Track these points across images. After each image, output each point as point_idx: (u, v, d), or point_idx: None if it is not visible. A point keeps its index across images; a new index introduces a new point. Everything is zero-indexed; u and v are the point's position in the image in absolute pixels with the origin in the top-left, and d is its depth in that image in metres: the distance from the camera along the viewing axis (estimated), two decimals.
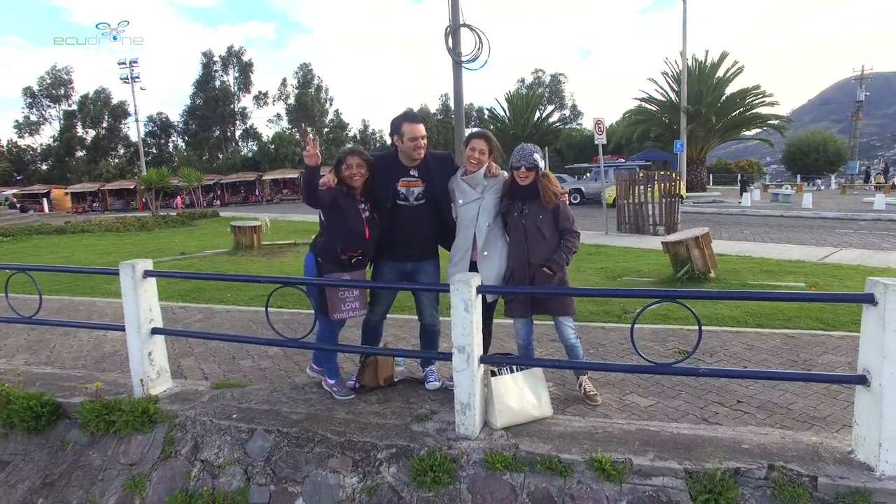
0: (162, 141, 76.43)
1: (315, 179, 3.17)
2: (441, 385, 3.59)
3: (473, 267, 3.39)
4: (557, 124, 41.04)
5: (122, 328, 3.57)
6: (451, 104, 64.79)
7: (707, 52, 28.81)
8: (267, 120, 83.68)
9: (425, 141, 3.48)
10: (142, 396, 3.50)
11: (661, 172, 15.69)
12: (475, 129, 4.09)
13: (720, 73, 27.91)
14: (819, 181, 36.20)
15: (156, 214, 21.27)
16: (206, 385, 3.86)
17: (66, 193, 51.20)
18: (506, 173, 3.51)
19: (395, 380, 3.76)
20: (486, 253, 3.36)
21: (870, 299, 2.47)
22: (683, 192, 24.65)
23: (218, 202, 45.04)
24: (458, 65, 13.62)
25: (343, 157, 3.43)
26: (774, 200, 23.89)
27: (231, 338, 4.71)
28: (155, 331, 3.60)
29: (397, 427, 3.07)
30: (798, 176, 38.45)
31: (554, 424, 3.04)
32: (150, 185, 21.09)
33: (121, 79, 52.65)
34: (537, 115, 42.00)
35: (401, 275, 3.59)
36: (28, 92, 70.95)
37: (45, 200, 47.55)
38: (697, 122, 26.79)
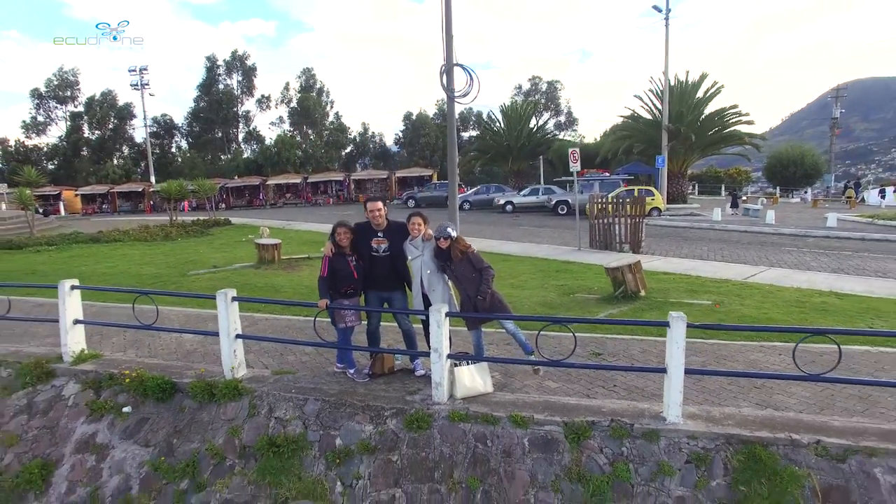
0: (165, 142, 77.83)
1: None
2: (424, 373, 5.50)
3: (427, 299, 5.30)
4: (549, 135, 42.89)
5: (217, 334, 5.49)
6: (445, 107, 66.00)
7: (688, 72, 30.75)
8: (269, 122, 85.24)
9: (381, 212, 5.38)
10: (231, 378, 5.42)
11: (628, 197, 17.57)
12: (414, 210, 6.00)
13: (700, 93, 29.90)
14: (805, 192, 38.07)
15: (175, 222, 23.15)
16: (268, 372, 5.78)
17: (77, 195, 52.92)
18: (432, 236, 5.34)
19: (396, 369, 5.69)
20: (432, 290, 5.29)
21: (667, 325, 4.40)
22: (662, 205, 26.64)
23: (223, 205, 46.88)
24: (451, 100, 15.50)
25: (335, 228, 5.37)
26: (745, 215, 25.81)
27: (291, 341, 6.62)
28: (238, 336, 5.52)
29: (396, 397, 5.00)
30: (778, 188, 40.43)
31: (492, 397, 4.97)
32: (170, 196, 23.02)
33: (131, 85, 54.55)
34: (532, 124, 44.09)
35: (380, 300, 5.53)
36: (35, 93, 72.39)
37: (59, 203, 49.26)
38: (678, 139, 28.74)
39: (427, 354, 5.02)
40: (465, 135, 67.68)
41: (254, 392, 5.25)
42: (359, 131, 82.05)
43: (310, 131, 74.46)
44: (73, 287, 6.20)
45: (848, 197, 31.96)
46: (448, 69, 15.34)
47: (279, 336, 7.02)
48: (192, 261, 13.73)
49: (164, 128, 75.52)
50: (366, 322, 5.63)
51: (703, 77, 30.46)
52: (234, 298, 5.46)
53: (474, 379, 4.97)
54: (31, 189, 22.22)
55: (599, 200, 16.10)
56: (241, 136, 78.06)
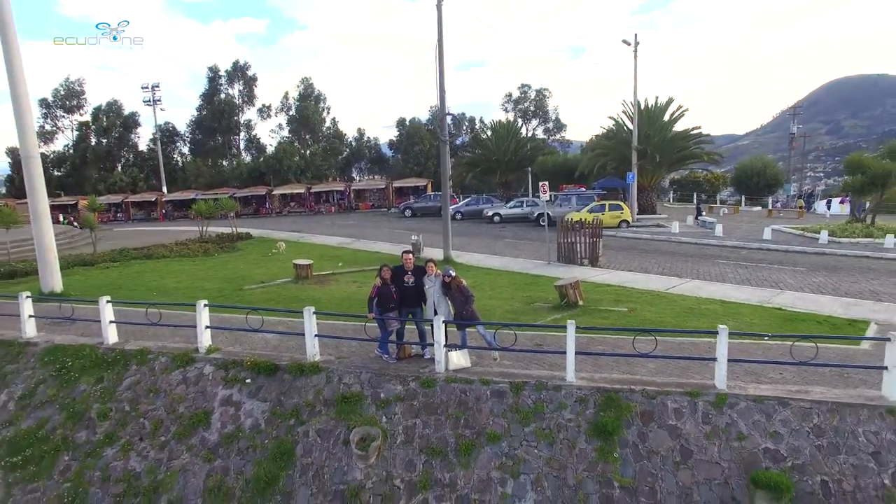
0: (168, 148, 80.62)
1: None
2: (430, 356, 9.06)
3: (434, 311, 8.89)
4: (536, 145, 46.57)
5: (333, 336, 9.04)
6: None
7: (657, 97, 34.54)
8: (269, 130, 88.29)
9: (410, 260, 8.94)
10: (313, 361, 8.98)
11: (600, 210, 21.21)
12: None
13: (666, 116, 33.61)
14: (775, 201, 41.73)
15: (205, 236, 26.59)
16: (333, 357, 9.35)
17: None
18: (442, 273, 8.89)
19: (412, 355, 9.26)
20: (438, 307, 8.86)
21: (565, 328, 7.98)
22: (630, 217, 30.30)
23: (233, 214, 50.19)
24: (444, 143, 19.07)
25: (381, 268, 8.90)
26: (701, 226, 29.50)
27: (350, 338, 10.16)
28: (316, 335, 9.09)
29: (414, 370, 8.60)
30: (743, 197, 44.26)
31: (470, 370, 8.56)
32: (202, 214, 26.41)
33: (144, 101, 57.75)
34: (521, 136, 47.65)
35: (407, 313, 9.10)
36: (43, 103, 75.16)
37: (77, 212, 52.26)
38: (646, 158, 32.45)
39: (432, 345, 8.61)
40: (458, 140, 70.87)
41: (328, 368, 8.83)
42: (354, 136, 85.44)
43: (308, 137, 77.60)
44: (205, 305, 9.75)
45: (799, 207, 35.76)
46: (441, 117, 19.00)
47: (332, 335, 10.58)
48: (239, 276, 17.25)
49: (166, 135, 78.38)
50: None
51: (669, 101, 34.20)
52: (314, 312, 9.02)
53: (460, 359, 8.57)
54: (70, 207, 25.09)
55: (564, 223, 19.72)
56: (241, 144, 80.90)
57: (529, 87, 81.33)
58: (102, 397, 9.57)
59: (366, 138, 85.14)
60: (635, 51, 31.82)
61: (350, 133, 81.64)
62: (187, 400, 9.12)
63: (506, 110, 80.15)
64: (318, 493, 7.81)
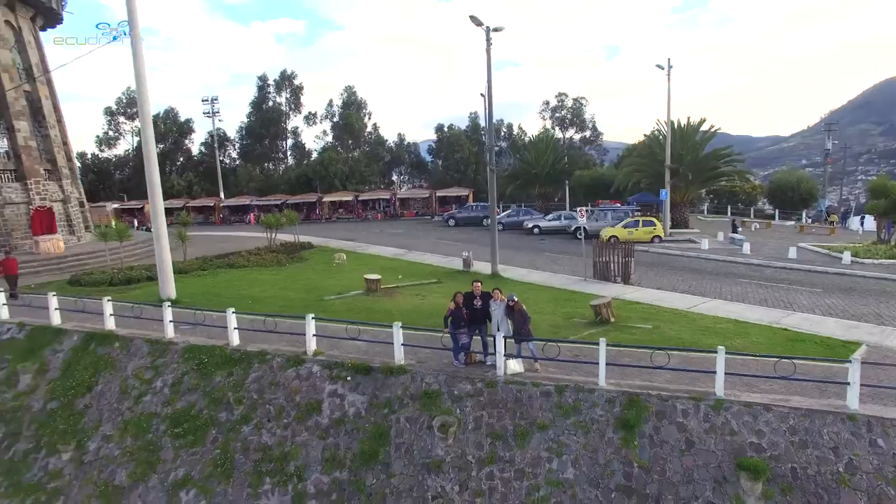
0: (218, 152, 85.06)
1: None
2: (492, 363, 11.55)
3: (498, 328, 11.41)
4: (573, 156, 48.65)
5: (413, 345, 11.66)
6: (480, 122, 71.85)
7: (689, 118, 36.31)
8: (314, 136, 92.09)
9: (479, 287, 11.47)
10: (400, 364, 11.60)
11: (634, 226, 23.33)
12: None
13: (698, 136, 35.36)
14: (808, 216, 42.65)
15: (273, 245, 29.68)
16: (414, 361, 11.95)
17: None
18: (506, 298, 11.38)
19: (476, 361, 11.79)
20: (501, 325, 11.35)
21: (597, 344, 10.39)
22: (662, 233, 32.23)
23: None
24: (492, 172, 21.54)
25: (455, 295, 11.45)
26: (731, 243, 31.18)
27: (431, 347, 12.77)
28: (402, 344, 11.71)
29: (480, 373, 11.13)
30: (777, 211, 45.37)
31: (523, 375, 11.05)
32: (270, 225, 29.52)
33: (204, 114, 61.89)
34: (560, 144, 49.79)
35: (475, 329, 11.62)
36: (108, 111, 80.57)
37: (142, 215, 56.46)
38: (678, 176, 34.29)
39: (493, 354, 11.13)
40: (497, 146, 72.99)
41: (412, 370, 11.44)
42: (394, 140, 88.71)
43: (350, 142, 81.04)
44: (313, 318, 12.50)
45: (830, 223, 36.96)
46: (490, 148, 21.48)
47: (411, 343, 13.20)
48: (315, 287, 20.11)
49: (217, 140, 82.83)
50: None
51: (701, 121, 35.95)
52: (401, 326, 11.65)
53: (516, 366, 11.06)
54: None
55: (599, 244, 21.96)
56: (288, 150, 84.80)
57: (566, 96, 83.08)
58: (234, 387, 12.41)
59: (406, 143, 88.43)
60: (668, 74, 33.69)
61: (389, 137, 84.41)
62: (301, 391, 11.85)
63: (543, 118, 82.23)
64: (409, 465, 10.42)
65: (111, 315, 15.15)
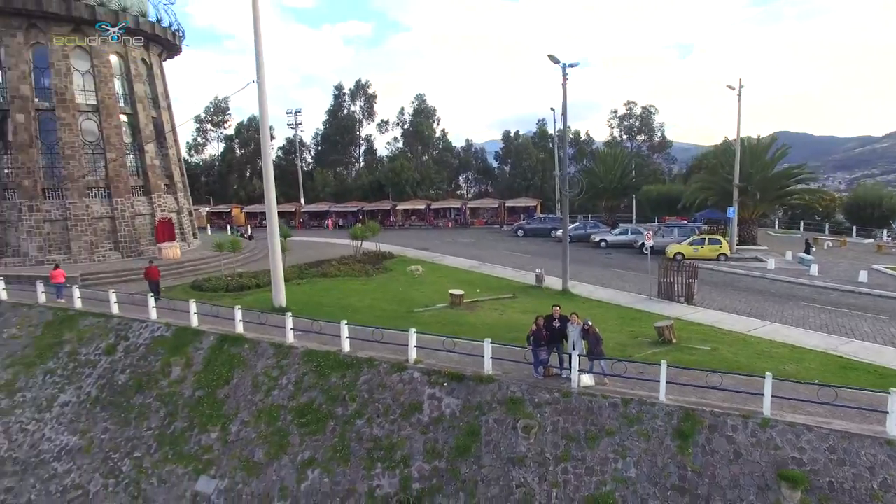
0: (294, 157, 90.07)
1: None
2: (567, 376, 13.56)
3: (574, 347, 13.42)
4: (635, 179, 49.43)
5: (499, 359, 13.87)
6: (548, 129, 73.02)
7: (759, 136, 36.58)
8: (385, 143, 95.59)
9: (558, 311, 13.51)
10: (489, 373, 13.80)
11: (700, 244, 24.62)
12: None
13: (767, 155, 35.67)
14: (888, 235, 41.42)
15: (358, 254, 32.61)
16: (500, 371, 14.12)
17: (242, 211, 65.43)
18: (582, 322, 13.36)
19: (554, 374, 13.83)
20: (576, 344, 13.34)
21: (659, 364, 12.22)
22: (728, 251, 32.93)
23: (360, 224, 57.23)
24: (565, 197, 23.37)
25: (537, 318, 13.54)
26: (800, 263, 31.48)
27: (515, 361, 14.97)
28: (491, 357, 13.90)
29: (557, 385, 13.18)
30: (855, 228, 44.37)
31: (594, 387, 13.00)
32: (356, 237, 32.48)
33: (287, 125, 66.38)
34: (627, 155, 50.63)
35: (552, 347, 13.66)
36: (197, 119, 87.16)
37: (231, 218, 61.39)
38: (746, 194, 34.83)
39: (568, 369, 13.14)
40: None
41: (499, 380, 13.62)
42: (462, 146, 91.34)
43: (420, 148, 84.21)
44: (415, 331, 14.90)
45: None
46: (562, 176, 23.29)
47: (497, 357, 15.36)
48: (404, 298, 22.66)
49: (294, 146, 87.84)
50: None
51: (772, 139, 36.23)
52: (490, 341, 13.85)
53: (588, 380, 13.03)
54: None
55: (663, 266, 23.35)
56: (360, 155, 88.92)
57: (635, 104, 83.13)
58: (348, 387, 14.99)
59: (473, 148, 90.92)
60: (739, 94, 34.30)
61: (456, 138, 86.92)
62: (405, 393, 14.27)
63: (611, 126, 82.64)
64: (496, 458, 12.61)
65: (241, 321, 18.17)
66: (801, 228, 46.03)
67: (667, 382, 12.29)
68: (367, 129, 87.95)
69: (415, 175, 70.64)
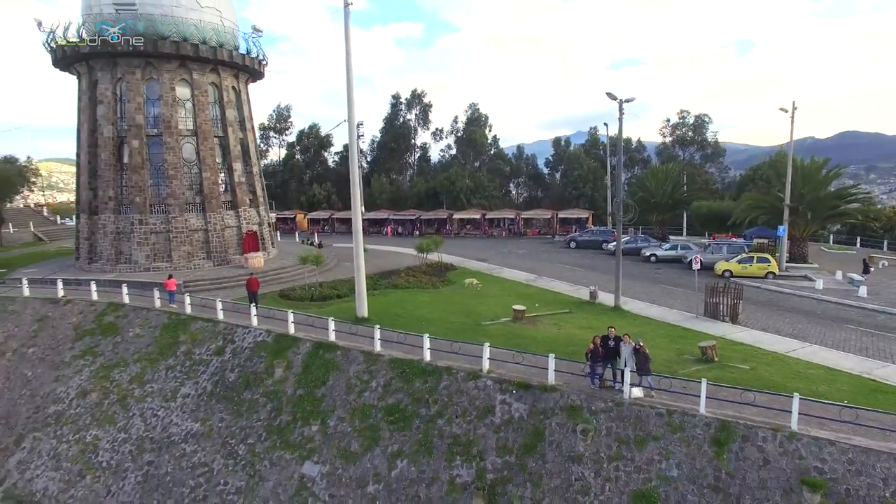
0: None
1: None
2: (619, 389, 15.84)
3: (626, 364, 15.72)
4: (686, 194, 50.54)
5: (560, 371, 16.32)
6: (600, 137, 74.41)
7: (813, 156, 37.39)
8: (440, 150, 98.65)
9: (613, 332, 15.82)
10: (552, 383, 16.23)
11: (748, 262, 26.25)
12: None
13: (820, 175, 36.51)
14: None
15: (423, 265, 35.44)
16: (561, 382, 16.53)
17: (306, 217, 69.62)
18: (633, 342, 15.63)
19: (608, 386, 16.15)
20: (628, 361, 15.60)
21: (699, 382, 14.38)
22: (776, 269, 34.06)
23: (417, 233, 60.40)
24: (619, 223, 25.38)
25: (593, 338, 15.90)
26: (850, 283, 32.29)
27: (572, 373, 17.37)
28: (554, 370, 16.33)
29: (610, 395, 15.51)
30: None
31: (643, 399, 15.26)
32: (422, 250, 35.36)
33: (344, 141, 70.22)
34: (679, 165, 51.80)
35: (607, 363, 15.99)
36: (262, 126, 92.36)
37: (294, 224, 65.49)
38: (797, 214, 35.84)
39: (621, 382, 15.42)
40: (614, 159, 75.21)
41: (560, 389, 16.03)
42: (513, 153, 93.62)
43: (472, 154, 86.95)
44: (488, 346, 17.47)
45: None
46: (617, 205, 25.37)
47: (558, 370, 17.74)
48: (470, 311, 25.26)
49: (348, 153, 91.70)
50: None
51: (826, 161, 37.00)
52: (553, 356, 16.28)
53: (637, 393, 15.30)
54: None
55: (709, 287, 25.06)
56: (414, 163, 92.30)
57: (688, 113, 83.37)
58: (430, 391, 17.69)
59: (525, 155, 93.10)
60: (792, 117, 35.36)
61: (505, 139, 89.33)
62: (479, 398, 16.85)
63: (663, 135, 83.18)
64: (558, 456, 15.04)
65: (333, 330, 21.18)
66: (858, 244, 46.11)
67: (706, 397, 14.44)
68: (422, 136, 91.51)
69: (468, 183, 73.23)
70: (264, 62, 38.45)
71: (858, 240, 47.05)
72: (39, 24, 33.65)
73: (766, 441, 13.55)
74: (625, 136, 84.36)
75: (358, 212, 25.05)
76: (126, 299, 27.43)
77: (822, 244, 47.47)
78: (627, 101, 25.15)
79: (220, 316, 24.44)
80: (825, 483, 12.66)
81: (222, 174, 36.17)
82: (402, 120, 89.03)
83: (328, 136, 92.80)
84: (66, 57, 32.77)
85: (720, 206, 46.84)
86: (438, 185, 75.48)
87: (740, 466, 13.43)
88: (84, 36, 32.26)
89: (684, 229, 45.09)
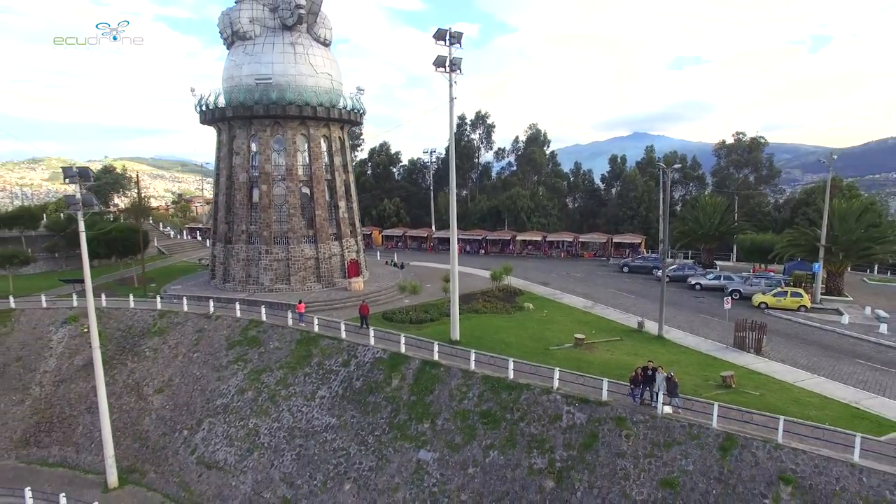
0: (417, 178, 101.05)
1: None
2: (654, 405, 21.73)
3: (660, 388, 21.68)
4: (734, 226, 54.91)
5: (610, 390, 22.46)
6: (655, 156, 78.60)
7: (852, 201, 41.51)
8: (500, 167, 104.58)
9: (651, 364, 21.80)
10: (605, 400, 22.33)
11: (782, 296, 31.45)
12: (660, 366, 22.30)
13: (855, 219, 40.64)
14: None
15: (496, 290, 41.83)
16: (610, 399, 22.59)
17: (380, 233, 77.21)
18: (666, 373, 21.53)
19: (646, 403, 22.10)
20: (659, 387, 21.50)
21: (713, 404, 20.20)
22: (808, 303, 38.56)
23: (483, 251, 67.01)
24: (664, 270, 30.92)
25: (635, 369, 21.91)
26: (876, 318, 36.45)
27: (618, 392, 23.43)
28: (607, 389, 22.44)
29: (648, 410, 21.50)
30: None
31: (671, 415, 21.17)
32: (495, 278, 41.78)
33: (423, 152, 77.38)
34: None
35: (646, 386, 21.97)
36: None
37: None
38: (831, 253, 40.18)
39: (656, 401, 21.38)
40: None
41: (610, 404, 22.12)
42: (571, 168, 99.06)
43: (531, 172, 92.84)
44: (558, 370, 23.73)
45: None
46: (662, 253, 30.91)
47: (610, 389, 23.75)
48: (540, 337, 31.50)
49: (417, 168, 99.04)
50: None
51: (862, 203, 41.12)
52: (607, 379, 22.39)
53: (668, 409, 21.21)
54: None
55: (738, 322, 30.31)
56: (477, 180, 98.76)
57: (744, 134, 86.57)
58: (513, 401, 24.08)
59: (581, 171, 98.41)
60: (829, 167, 39.71)
61: (561, 141, 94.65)
62: (551, 408, 23.12)
63: (718, 156, 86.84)
64: (608, 453, 21.14)
65: (437, 351, 27.88)
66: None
67: (718, 416, 20.20)
68: (486, 156, 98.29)
69: (529, 203, 79.09)
70: (363, 113, 45.80)
71: None
72: (192, 90, 42.17)
73: (758, 449, 19.24)
74: (680, 150, 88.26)
75: (455, 265, 31.66)
76: (264, 317, 35.10)
77: (866, 276, 50.96)
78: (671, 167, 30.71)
79: (343, 335, 31.63)
80: (796, 479, 18.28)
81: (330, 211, 43.71)
82: (466, 140, 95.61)
83: (398, 153, 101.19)
84: (213, 118, 41.07)
85: (763, 238, 51.04)
86: (500, 203, 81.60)
87: (738, 465, 19.19)
88: (226, 102, 40.48)
89: (733, 257, 49.60)
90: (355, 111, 44.03)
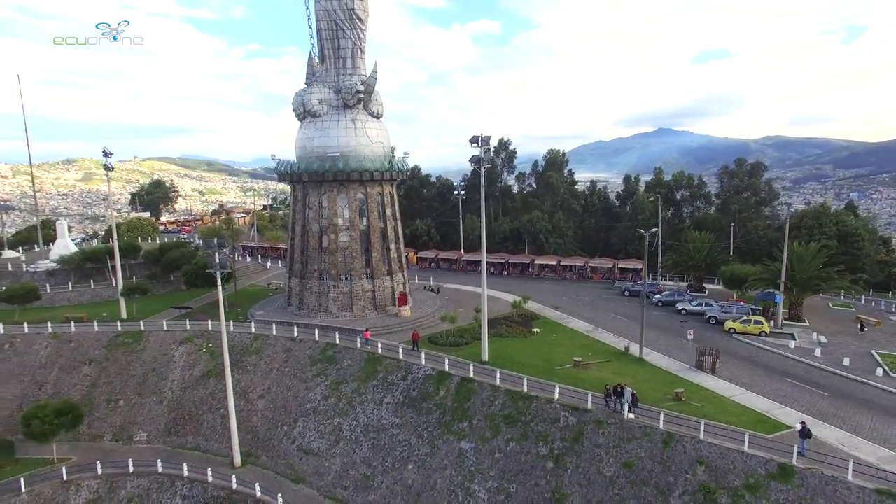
0: (446, 194, 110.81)
1: None
2: (622, 412, 31.87)
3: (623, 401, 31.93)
4: (720, 258, 64.46)
5: (586, 399, 32.77)
6: (664, 177, 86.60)
7: (810, 244, 50.81)
8: (519, 187, 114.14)
9: (623, 384, 32.04)
10: (589, 408, 32.63)
11: (748, 323, 41.42)
12: (627, 385, 32.52)
13: (810, 262, 49.88)
14: None
15: (521, 312, 52.18)
16: (592, 407, 32.85)
17: (416, 255, 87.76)
18: (631, 390, 31.66)
19: (617, 410, 32.32)
20: (626, 399, 31.69)
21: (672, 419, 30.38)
22: (767, 329, 48.07)
23: (505, 273, 77.36)
24: (643, 305, 41.15)
25: (606, 387, 32.15)
26: (819, 344, 45.67)
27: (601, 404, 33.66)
28: (591, 401, 32.73)
29: (618, 416, 31.78)
30: None
31: (633, 419, 31.38)
32: (515, 306, 52.02)
33: (455, 193, 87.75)
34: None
35: (616, 398, 32.19)
36: None
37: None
38: (788, 288, 49.61)
39: (623, 407, 31.61)
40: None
41: (593, 411, 32.41)
42: (587, 185, 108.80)
43: (548, 194, 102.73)
44: (558, 386, 34.09)
45: None
46: (643, 295, 40.99)
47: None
48: (548, 358, 41.72)
49: (444, 188, 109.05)
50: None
51: (818, 250, 50.53)
52: (591, 393, 32.67)
53: (631, 416, 31.41)
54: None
55: (697, 349, 40.13)
56: (499, 201, 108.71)
57: (745, 161, 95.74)
58: (526, 408, 34.44)
59: (598, 187, 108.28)
60: (787, 220, 49.10)
61: (579, 139, 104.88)
62: (552, 413, 33.44)
63: (721, 180, 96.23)
64: (591, 445, 31.43)
65: (472, 370, 38.40)
66: (865, 298, 58.61)
67: (663, 420, 30.28)
68: (507, 180, 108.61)
69: (547, 225, 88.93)
70: (408, 172, 56.48)
71: (864, 297, 59.47)
72: (273, 156, 53.44)
73: (686, 442, 29.31)
74: (706, 147, 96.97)
75: (485, 303, 42.12)
76: (338, 340, 46.03)
77: (831, 302, 59.85)
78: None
79: (401, 356, 42.35)
80: (707, 461, 28.30)
81: (383, 252, 54.57)
82: (489, 164, 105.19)
83: (427, 176, 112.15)
84: (290, 179, 52.24)
85: (741, 269, 60.14)
86: (521, 225, 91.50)
87: (672, 453, 29.28)
88: (300, 167, 51.61)
89: (720, 284, 59.46)
90: (402, 171, 54.77)
